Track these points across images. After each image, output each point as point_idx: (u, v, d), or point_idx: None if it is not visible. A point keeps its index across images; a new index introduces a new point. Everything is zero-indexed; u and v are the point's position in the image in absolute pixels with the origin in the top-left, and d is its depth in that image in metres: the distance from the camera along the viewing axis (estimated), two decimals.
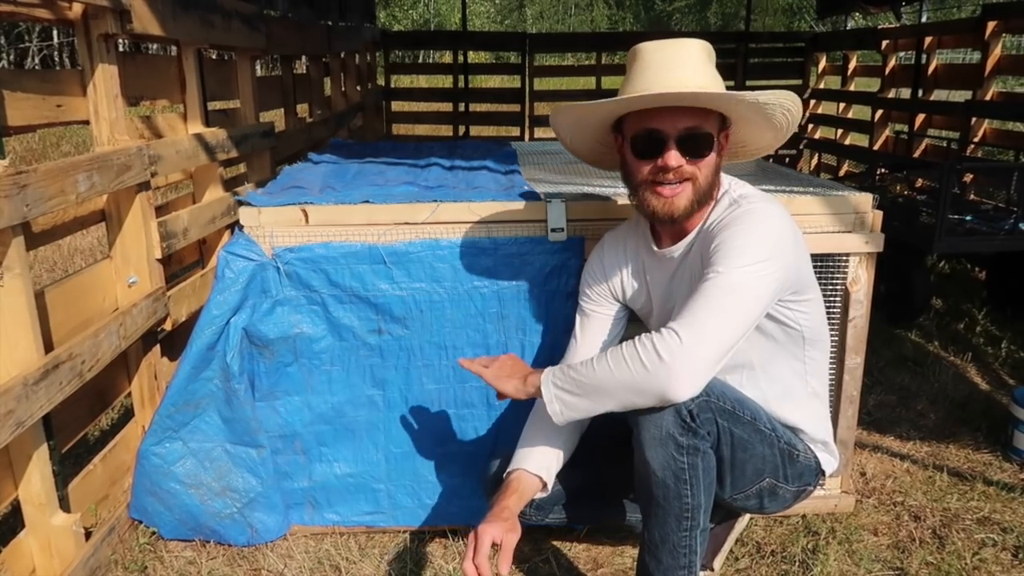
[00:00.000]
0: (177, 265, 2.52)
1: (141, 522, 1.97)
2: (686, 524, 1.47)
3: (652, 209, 1.52)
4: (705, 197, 1.52)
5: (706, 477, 1.47)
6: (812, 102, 6.72)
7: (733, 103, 1.46)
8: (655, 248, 1.64)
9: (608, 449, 1.75)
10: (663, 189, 1.49)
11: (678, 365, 1.35)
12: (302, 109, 4.05)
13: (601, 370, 1.41)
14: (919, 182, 4.18)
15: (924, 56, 5.04)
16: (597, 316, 1.73)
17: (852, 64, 6.20)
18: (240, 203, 1.89)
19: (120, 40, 1.92)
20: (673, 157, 1.46)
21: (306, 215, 1.87)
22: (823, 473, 1.71)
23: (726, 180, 1.61)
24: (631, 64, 1.51)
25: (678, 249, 1.60)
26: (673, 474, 1.43)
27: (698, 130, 1.46)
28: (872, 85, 6.05)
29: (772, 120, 1.53)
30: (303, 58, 4.19)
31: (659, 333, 1.38)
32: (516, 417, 1.98)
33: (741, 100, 1.45)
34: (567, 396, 1.45)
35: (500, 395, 1.57)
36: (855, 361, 1.98)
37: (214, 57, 5.45)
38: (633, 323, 1.79)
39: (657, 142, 1.47)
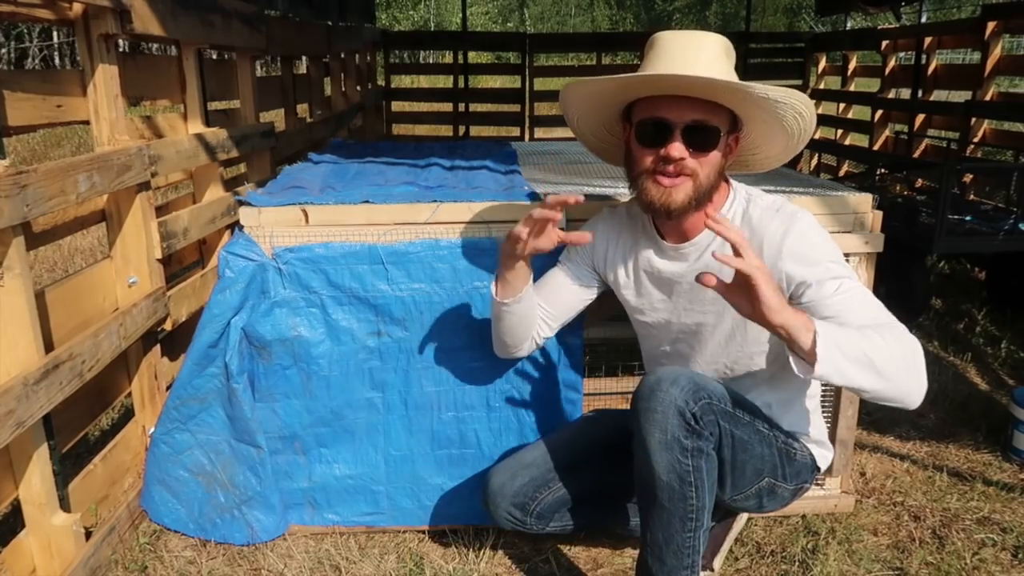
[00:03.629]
0: (177, 265, 2.53)
1: (147, 513, 1.98)
2: (691, 525, 1.47)
3: (650, 199, 1.49)
4: (704, 196, 1.49)
5: (709, 478, 1.46)
6: (812, 102, 6.71)
7: (742, 94, 1.42)
8: (662, 241, 1.62)
9: (607, 455, 1.75)
10: (663, 179, 1.46)
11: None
12: (302, 109, 4.05)
13: (887, 350, 1.30)
14: (919, 182, 4.19)
15: (924, 56, 5.04)
16: (569, 271, 1.75)
17: (852, 64, 6.20)
18: (240, 203, 1.89)
19: (120, 40, 1.92)
20: (676, 148, 1.43)
21: (306, 215, 1.87)
22: (818, 469, 1.72)
23: (735, 185, 1.60)
24: (648, 51, 1.49)
25: (690, 248, 1.59)
26: (678, 477, 1.42)
27: (705, 123, 1.44)
28: (872, 85, 6.05)
29: (783, 123, 1.49)
30: (303, 58, 4.19)
31: (903, 329, 1.35)
32: (516, 419, 1.99)
33: (750, 92, 1.41)
34: (842, 360, 1.28)
35: (766, 319, 1.27)
36: None
37: (214, 57, 5.44)
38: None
39: (663, 130, 1.44)
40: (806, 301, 1.46)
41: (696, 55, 1.42)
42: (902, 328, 1.37)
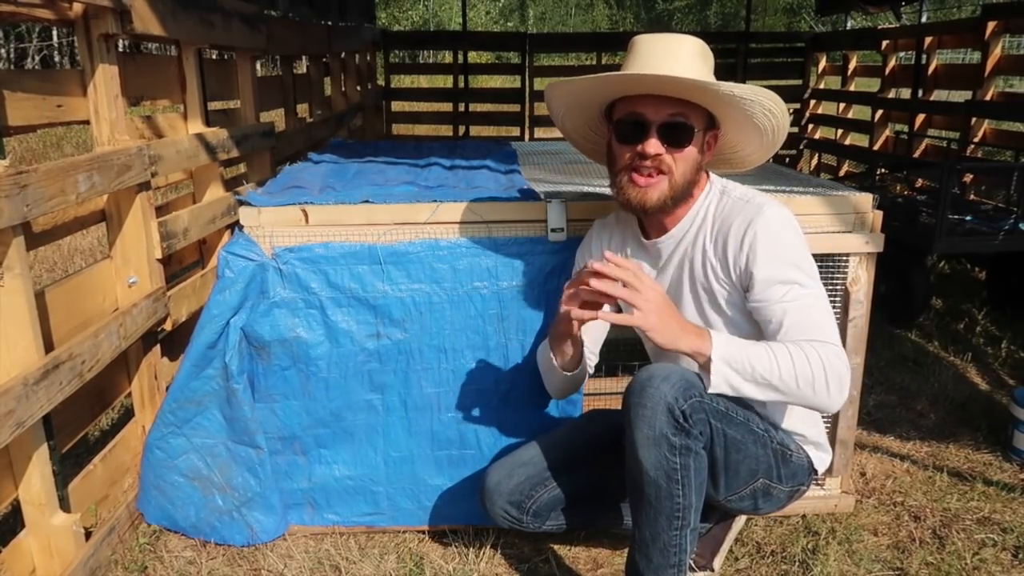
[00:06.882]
0: (177, 265, 2.52)
1: (145, 517, 1.97)
2: (677, 523, 1.47)
3: (626, 197, 1.54)
4: (681, 194, 1.54)
5: (697, 477, 1.47)
6: (812, 102, 6.72)
7: (711, 92, 1.46)
8: (643, 239, 1.67)
9: (603, 453, 1.75)
10: (639, 178, 1.51)
11: (848, 381, 1.44)
12: (302, 109, 4.05)
13: (784, 370, 1.40)
14: (919, 182, 4.18)
15: (924, 56, 5.04)
16: None
17: (852, 64, 6.20)
18: (240, 203, 1.89)
19: (120, 40, 1.92)
20: (652, 144, 1.49)
21: (306, 215, 1.87)
22: (815, 472, 1.72)
23: (712, 177, 1.64)
24: (627, 54, 1.54)
25: (667, 241, 1.63)
26: (665, 474, 1.43)
27: (680, 119, 1.49)
28: (872, 85, 6.05)
29: (753, 120, 1.53)
30: (303, 58, 4.19)
31: (826, 346, 1.42)
32: (516, 419, 1.99)
33: (717, 89, 1.45)
34: (736, 378, 1.41)
35: (661, 346, 1.40)
36: (855, 361, 1.98)
37: (214, 57, 5.45)
38: None
39: (639, 128, 1.50)
40: (752, 300, 1.51)
41: (673, 57, 1.47)
42: (829, 349, 1.43)
